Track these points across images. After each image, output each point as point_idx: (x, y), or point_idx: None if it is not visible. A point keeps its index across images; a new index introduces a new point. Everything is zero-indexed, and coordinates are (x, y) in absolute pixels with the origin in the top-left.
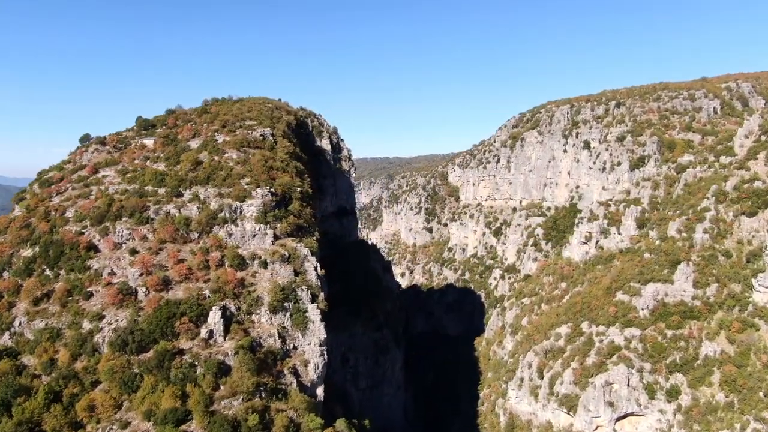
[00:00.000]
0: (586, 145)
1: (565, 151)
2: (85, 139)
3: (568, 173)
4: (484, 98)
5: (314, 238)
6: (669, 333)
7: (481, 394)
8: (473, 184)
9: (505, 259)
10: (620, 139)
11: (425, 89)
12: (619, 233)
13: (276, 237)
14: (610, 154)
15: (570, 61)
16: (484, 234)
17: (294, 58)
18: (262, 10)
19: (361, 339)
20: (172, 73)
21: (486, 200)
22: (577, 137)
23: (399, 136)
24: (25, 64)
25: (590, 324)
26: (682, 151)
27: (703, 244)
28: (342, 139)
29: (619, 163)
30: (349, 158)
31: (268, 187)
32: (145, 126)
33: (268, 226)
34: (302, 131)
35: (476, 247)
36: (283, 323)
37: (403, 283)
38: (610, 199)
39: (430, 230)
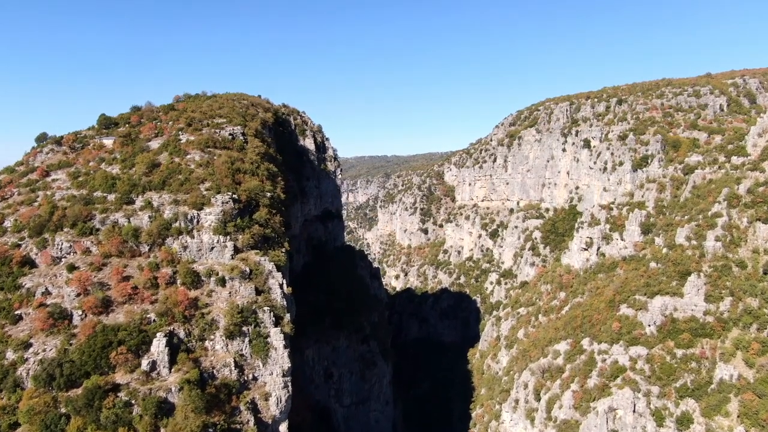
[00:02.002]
0: (586, 144)
1: (564, 150)
2: (41, 139)
3: (568, 173)
4: (484, 95)
5: (282, 250)
6: (679, 352)
7: (473, 414)
8: (469, 184)
9: (502, 263)
10: (622, 137)
11: (423, 86)
12: (622, 239)
13: (237, 250)
14: (612, 154)
15: (569, 56)
16: (480, 236)
17: (293, 55)
18: (261, 5)
19: (345, 352)
20: (165, 69)
21: (482, 201)
22: (576, 136)
23: (397, 134)
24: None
25: (591, 341)
26: (688, 150)
27: (715, 253)
28: (327, 138)
29: (620, 163)
30: (335, 158)
31: (230, 193)
32: (107, 124)
33: (228, 237)
34: (283, 130)
35: (472, 249)
36: (241, 350)
37: (398, 285)
38: (612, 202)
39: (426, 231)
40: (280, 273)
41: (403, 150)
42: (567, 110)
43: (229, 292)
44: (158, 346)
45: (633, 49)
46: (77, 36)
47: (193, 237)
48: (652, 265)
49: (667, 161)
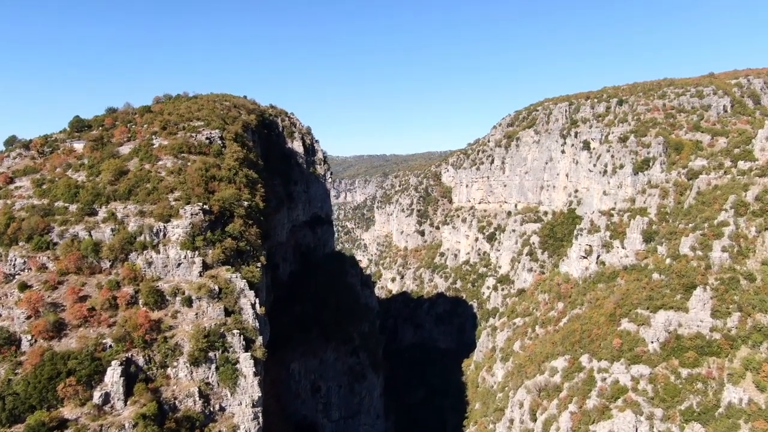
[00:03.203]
0: (586, 146)
1: (563, 151)
2: (10, 143)
3: (567, 175)
4: (485, 94)
5: (258, 264)
6: (684, 372)
7: None
8: (466, 186)
9: (499, 267)
10: (623, 139)
11: (424, 84)
12: (623, 247)
13: (206, 266)
14: (612, 156)
15: (568, 55)
16: (476, 239)
17: (293, 52)
18: (262, 2)
19: (333, 365)
20: (165, 68)
21: (479, 203)
22: (576, 137)
23: (397, 132)
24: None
25: (590, 358)
26: (690, 152)
27: (721, 264)
28: (317, 140)
29: (621, 166)
30: (325, 161)
31: (201, 204)
32: (79, 127)
33: (197, 252)
34: (270, 132)
35: (468, 253)
36: (207, 378)
37: (394, 288)
38: (613, 208)
39: (422, 233)
40: (252, 291)
41: (402, 149)
42: (566, 111)
43: (196, 314)
44: (113, 376)
45: (634, 48)
46: (76, 30)
47: (158, 252)
48: (655, 276)
49: (669, 164)
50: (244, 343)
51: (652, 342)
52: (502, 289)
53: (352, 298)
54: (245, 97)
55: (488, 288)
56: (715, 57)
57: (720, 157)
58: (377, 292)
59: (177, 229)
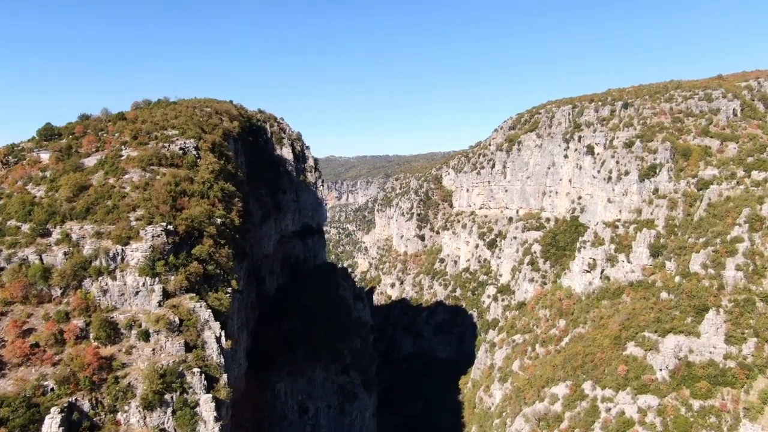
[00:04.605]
0: (590, 151)
1: (566, 156)
2: None
3: (570, 181)
4: (486, 94)
5: (228, 290)
6: (695, 404)
7: None
8: (467, 190)
9: (500, 275)
10: (628, 144)
11: (425, 84)
12: (628, 261)
13: (167, 294)
14: (617, 162)
15: (572, 55)
16: (477, 246)
17: (292, 51)
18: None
19: (322, 385)
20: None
21: (480, 208)
22: (579, 141)
23: (400, 133)
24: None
25: (594, 385)
26: (699, 158)
27: (735, 284)
28: (307, 147)
29: (626, 172)
30: (316, 168)
31: (165, 223)
32: (48, 135)
33: (157, 279)
34: (257, 139)
35: (469, 260)
36: (163, 424)
37: (393, 294)
38: (618, 219)
39: (422, 238)
40: (218, 323)
41: (405, 149)
42: (569, 114)
43: (153, 349)
44: (51, 426)
45: (638, 49)
46: (78, 28)
47: (115, 279)
48: (663, 295)
49: (677, 171)
50: (205, 383)
51: (660, 369)
52: (503, 300)
53: (344, 313)
54: (231, 101)
55: (488, 297)
56: (723, 57)
57: (732, 166)
58: (377, 297)
59: (136, 253)
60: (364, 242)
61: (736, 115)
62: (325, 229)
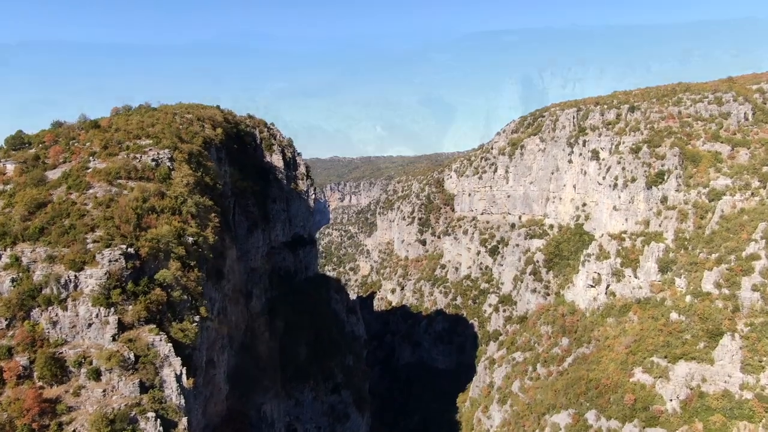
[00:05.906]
0: (595, 156)
1: (570, 161)
2: None
3: (574, 187)
4: (489, 93)
5: (196, 318)
6: None
7: None
8: (469, 195)
9: (501, 284)
10: (635, 150)
11: (429, 84)
12: (636, 277)
13: (123, 327)
14: (623, 168)
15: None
16: (478, 253)
17: (294, 47)
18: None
19: (312, 405)
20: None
21: (482, 214)
22: (584, 146)
23: (403, 133)
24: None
25: (598, 415)
26: (709, 165)
27: (752, 306)
28: (299, 153)
29: (633, 179)
30: (308, 175)
31: (125, 246)
32: (17, 144)
33: (113, 309)
34: (245, 146)
35: (470, 267)
36: None
37: (393, 300)
38: (624, 231)
39: (424, 242)
40: (179, 358)
41: (409, 150)
42: (574, 117)
43: (104, 390)
44: None
45: (644, 51)
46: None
47: (66, 309)
48: (674, 316)
49: (686, 178)
50: (161, 429)
51: (671, 400)
52: (504, 310)
53: (336, 328)
54: (218, 107)
55: (490, 306)
56: (731, 58)
57: (746, 176)
58: (377, 303)
59: (90, 280)
60: (366, 245)
61: (747, 119)
62: (327, 231)
